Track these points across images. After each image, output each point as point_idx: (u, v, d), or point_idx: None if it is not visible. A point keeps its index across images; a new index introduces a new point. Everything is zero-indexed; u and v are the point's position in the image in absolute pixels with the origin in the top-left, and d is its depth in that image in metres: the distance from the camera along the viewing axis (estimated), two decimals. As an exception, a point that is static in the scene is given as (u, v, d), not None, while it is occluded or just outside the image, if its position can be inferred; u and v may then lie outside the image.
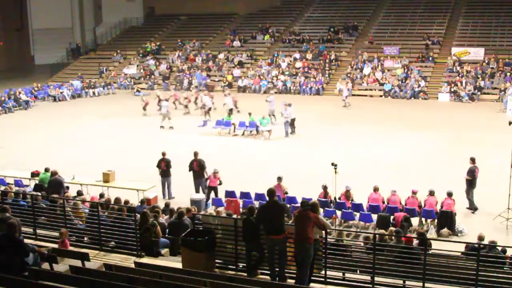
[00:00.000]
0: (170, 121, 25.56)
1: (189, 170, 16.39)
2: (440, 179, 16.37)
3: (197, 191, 16.21)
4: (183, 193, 16.10)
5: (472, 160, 15.46)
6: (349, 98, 31.16)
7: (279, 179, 15.37)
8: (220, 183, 16.03)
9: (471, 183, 15.19)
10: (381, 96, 33.80)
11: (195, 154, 16.55)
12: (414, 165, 19.37)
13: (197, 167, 16.26)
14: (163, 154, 16.80)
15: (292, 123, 23.92)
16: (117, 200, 12.81)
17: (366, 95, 34.12)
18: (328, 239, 9.42)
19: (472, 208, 15.17)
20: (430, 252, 10.25)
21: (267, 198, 9.15)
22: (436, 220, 14.12)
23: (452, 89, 32.26)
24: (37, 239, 10.61)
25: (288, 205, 13.24)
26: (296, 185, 16.13)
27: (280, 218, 8.83)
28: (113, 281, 7.59)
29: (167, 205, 13.48)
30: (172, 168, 16.67)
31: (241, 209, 14.94)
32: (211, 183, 16.00)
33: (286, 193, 15.24)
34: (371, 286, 8.71)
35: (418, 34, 38.66)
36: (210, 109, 27.09)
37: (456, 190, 14.86)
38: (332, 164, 14.24)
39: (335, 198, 14.74)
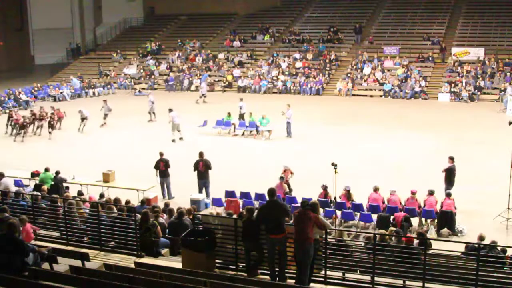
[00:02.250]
0: (181, 132, 23.56)
1: (194, 170, 16.35)
2: (439, 179, 16.34)
3: (200, 191, 16.19)
4: (183, 193, 16.10)
5: (451, 159, 15.53)
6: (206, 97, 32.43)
7: (281, 178, 15.38)
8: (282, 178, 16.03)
9: (449, 181, 15.27)
10: (381, 96, 33.79)
11: (201, 154, 16.51)
12: (414, 165, 19.37)
13: (202, 168, 16.22)
14: (161, 154, 16.79)
15: (241, 117, 25.46)
16: (117, 200, 12.81)
17: (366, 95, 34.12)
18: (328, 239, 9.42)
19: None
20: (430, 252, 10.25)
21: (267, 197, 9.16)
22: (436, 220, 14.12)
23: (452, 89, 32.26)
24: (37, 239, 10.61)
25: (288, 205, 13.24)
26: (296, 185, 16.14)
27: (280, 218, 8.83)
28: (113, 281, 7.59)
29: (166, 205, 13.47)
30: (171, 168, 16.66)
31: (241, 209, 14.95)
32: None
33: (287, 193, 15.25)
34: (371, 286, 8.71)
35: (418, 34, 38.66)
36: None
37: (456, 190, 14.88)
38: (332, 164, 14.24)
39: (335, 198, 14.74)
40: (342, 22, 42.04)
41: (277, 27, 43.19)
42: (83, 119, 25.62)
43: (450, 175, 15.40)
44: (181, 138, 23.48)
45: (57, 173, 15.88)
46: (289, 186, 15.98)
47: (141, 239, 10.16)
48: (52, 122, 24.67)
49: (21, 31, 50.57)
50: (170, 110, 23.76)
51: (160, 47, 43.05)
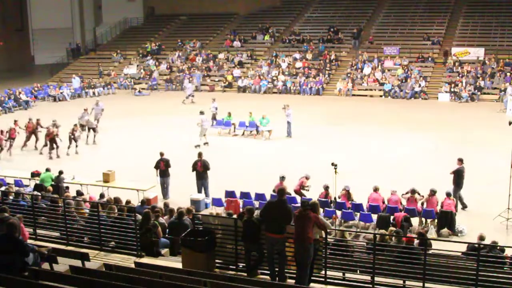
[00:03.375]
0: (206, 137, 22.66)
1: (192, 170, 16.35)
2: (440, 179, 16.36)
3: (199, 191, 16.19)
4: (183, 193, 16.09)
5: (460, 161, 15.44)
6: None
7: (282, 178, 15.36)
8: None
9: (458, 183, 15.19)
10: (381, 96, 33.80)
11: (200, 154, 16.52)
12: (414, 165, 19.37)
13: (201, 168, 16.22)
14: (161, 154, 16.79)
15: (214, 117, 25.54)
16: (117, 200, 12.79)
17: (366, 95, 34.12)
18: (328, 239, 9.42)
19: (463, 205, 15.21)
20: (430, 252, 10.25)
21: (276, 196, 9.16)
22: (436, 220, 14.12)
23: (452, 89, 32.26)
24: (37, 239, 10.61)
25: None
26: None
27: (282, 218, 8.79)
28: (113, 281, 7.59)
29: (166, 205, 13.48)
30: (172, 167, 16.65)
31: (241, 209, 14.95)
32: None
33: (289, 194, 15.21)
34: (371, 286, 8.70)
35: (418, 34, 38.67)
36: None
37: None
38: (332, 164, 14.24)
39: (335, 198, 14.74)
40: (342, 22, 42.03)
41: (277, 27, 43.18)
42: (90, 128, 23.14)
43: (458, 177, 15.21)
44: (206, 143, 22.26)
45: (60, 172, 15.91)
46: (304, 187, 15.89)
47: (141, 239, 10.16)
48: (73, 135, 21.37)
49: (21, 31, 50.56)
50: (202, 112, 22.79)
51: (160, 47, 43.05)
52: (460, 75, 33.26)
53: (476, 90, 31.91)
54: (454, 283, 8.63)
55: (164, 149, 17.38)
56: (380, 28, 40.75)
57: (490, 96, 31.88)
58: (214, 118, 25.60)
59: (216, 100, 26.75)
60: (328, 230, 9.31)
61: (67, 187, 15.71)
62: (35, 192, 13.55)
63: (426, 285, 8.48)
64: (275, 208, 8.85)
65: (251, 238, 8.95)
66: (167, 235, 11.15)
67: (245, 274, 9.08)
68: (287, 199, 14.64)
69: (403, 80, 33.84)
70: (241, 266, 9.25)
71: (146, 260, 9.76)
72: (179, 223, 11.19)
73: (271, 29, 42.45)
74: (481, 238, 10.72)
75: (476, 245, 9.81)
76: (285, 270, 8.88)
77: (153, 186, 16.41)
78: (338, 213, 14.49)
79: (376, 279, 8.71)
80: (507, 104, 28.15)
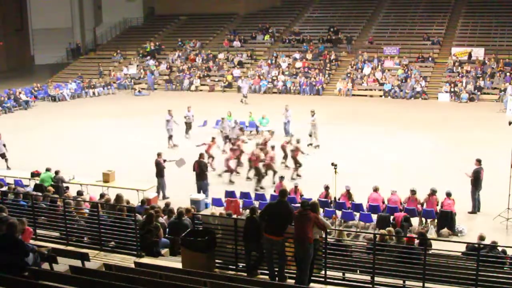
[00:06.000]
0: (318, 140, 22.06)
1: (193, 170, 16.42)
2: (440, 179, 16.37)
3: (198, 191, 16.21)
4: (183, 193, 16.10)
5: (478, 161, 15.35)
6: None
7: (281, 178, 15.37)
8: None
9: (476, 184, 15.09)
10: (381, 96, 33.79)
11: (200, 155, 16.55)
12: (414, 165, 19.37)
13: (197, 169, 16.26)
14: (158, 155, 16.80)
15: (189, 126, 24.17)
16: (119, 196, 12.71)
17: (366, 95, 34.11)
18: (328, 239, 9.41)
19: (474, 209, 15.13)
20: (430, 252, 10.25)
21: (273, 194, 9.13)
22: (436, 220, 14.12)
23: (452, 89, 32.26)
24: (37, 239, 10.60)
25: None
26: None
27: (282, 219, 8.78)
28: (113, 281, 7.59)
29: (167, 205, 13.47)
30: (168, 168, 16.62)
31: (241, 209, 14.96)
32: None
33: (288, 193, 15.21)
34: (371, 286, 8.71)
35: (418, 34, 38.67)
36: None
37: (456, 190, 14.85)
38: (332, 164, 14.24)
39: (335, 198, 14.74)
40: (342, 22, 42.05)
41: (277, 27, 43.19)
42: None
43: (476, 178, 15.09)
44: (317, 146, 21.82)
45: (57, 172, 15.89)
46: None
47: (141, 239, 10.15)
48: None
49: (21, 31, 50.54)
50: (313, 112, 22.23)
51: (160, 47, 43.04)
52: (460, 75, 33.27)
53: (476, 90, 31.91)
54: (454, 283, 8.63)
55: (164, 149, 17.37)
56: (380, 28, 40.74)
57: (490, 96, 31.87)
58: (189, 127, 24.17)
59: (192, 107, 24.69)
60: (328, 230, 9.31)
61: (67, 187, 15.71)
62: (34, 192, 13.52)
63: (426, 285, 8.48)
64: (276, 209, 8.84)
65: (251, 236, 8.92)
66: (167, 235, 11.15)
67: (245, 274, 9.08)
68: (287, 199, 14.72)
69: (403, 80, 33.84)
70: (241, 266, 9.25)
71: (146, 260, 9.76)
72: (179, 223, 11.19)
73: (271, 29, 42.44)
74: (481, 238, 10.72)
75: (476, 245, 9.82)
76: (285, 270, 8.88)
77: (153, 186, 16.42)
78: (338, 213, 14.49)
79: (376, 279, 8.71)
80: (507, 104, 28.15)
